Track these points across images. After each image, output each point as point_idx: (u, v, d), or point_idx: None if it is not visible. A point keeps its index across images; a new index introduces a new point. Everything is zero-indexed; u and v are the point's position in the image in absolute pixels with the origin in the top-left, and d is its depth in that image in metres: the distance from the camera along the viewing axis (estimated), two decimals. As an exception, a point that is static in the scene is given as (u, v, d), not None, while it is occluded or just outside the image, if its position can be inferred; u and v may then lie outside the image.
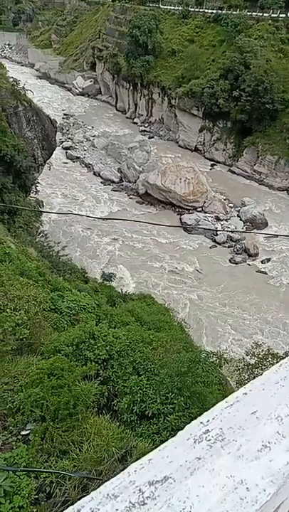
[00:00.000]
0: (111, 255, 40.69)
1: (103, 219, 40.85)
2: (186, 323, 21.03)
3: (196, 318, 32.89)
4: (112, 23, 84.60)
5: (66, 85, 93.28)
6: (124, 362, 7.56)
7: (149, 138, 67.88)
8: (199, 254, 41.37)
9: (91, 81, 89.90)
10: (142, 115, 75.07)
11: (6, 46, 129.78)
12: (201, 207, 47.63)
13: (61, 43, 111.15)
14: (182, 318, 23.92)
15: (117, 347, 7.74)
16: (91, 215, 42.25)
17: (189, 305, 34.66)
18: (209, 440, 1.21)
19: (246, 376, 11.99)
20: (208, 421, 1.28)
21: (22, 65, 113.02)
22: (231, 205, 49.40)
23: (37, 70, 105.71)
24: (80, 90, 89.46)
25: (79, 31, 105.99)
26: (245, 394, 1.34)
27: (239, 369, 12.16)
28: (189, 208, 47.29)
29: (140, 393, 6.77)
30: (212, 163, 60.85)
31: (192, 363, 7.32)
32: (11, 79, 31.93)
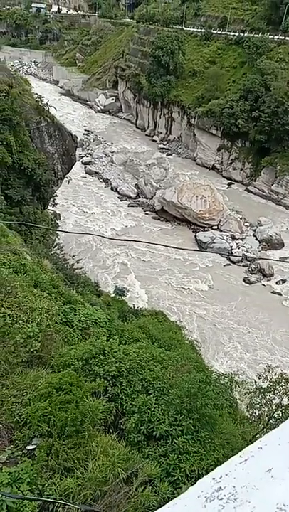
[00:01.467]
0: (122, 267, 40.93)
1: (118, 240, 41.15)
2: (198, 342, 20.77)
3: (202, 331, 32.87)
4: (136, 43, 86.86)
5: (88, 103, 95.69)
6: (134, 380, 7.45)
7: (167, 155, 68.64)
8: (213, 271, 41.12)
9: (113, 99, 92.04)
10: (161, 133, 76.14)
11: (32, 63, 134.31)
12: (217, 225, 47.53)
13: (85, 61, 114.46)
14: (189, 334, 23.74)
15: (127, 364, 7.65)
16: (105, 235, 42.67)
17: (196, 319, 34.66)
18: (221, 499, 1.13)
19: (258, 400, 11.64)
20: (221, 477, 1.20)
21: (47, 82, 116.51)
22: (247, 224, 49.17)
23: (61, 87, 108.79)
24: (102, 108, 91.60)
25: (103, 51, 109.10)
26: (260, 448, 1.26)
27: (251, 392, 11.81)
28: (205, 225, 47.25)
29: (148, 413, 6.65)
30: (229, 181, 60.97)
31: (203, 384, 7.17)
32: (36, 95, 32.93)
